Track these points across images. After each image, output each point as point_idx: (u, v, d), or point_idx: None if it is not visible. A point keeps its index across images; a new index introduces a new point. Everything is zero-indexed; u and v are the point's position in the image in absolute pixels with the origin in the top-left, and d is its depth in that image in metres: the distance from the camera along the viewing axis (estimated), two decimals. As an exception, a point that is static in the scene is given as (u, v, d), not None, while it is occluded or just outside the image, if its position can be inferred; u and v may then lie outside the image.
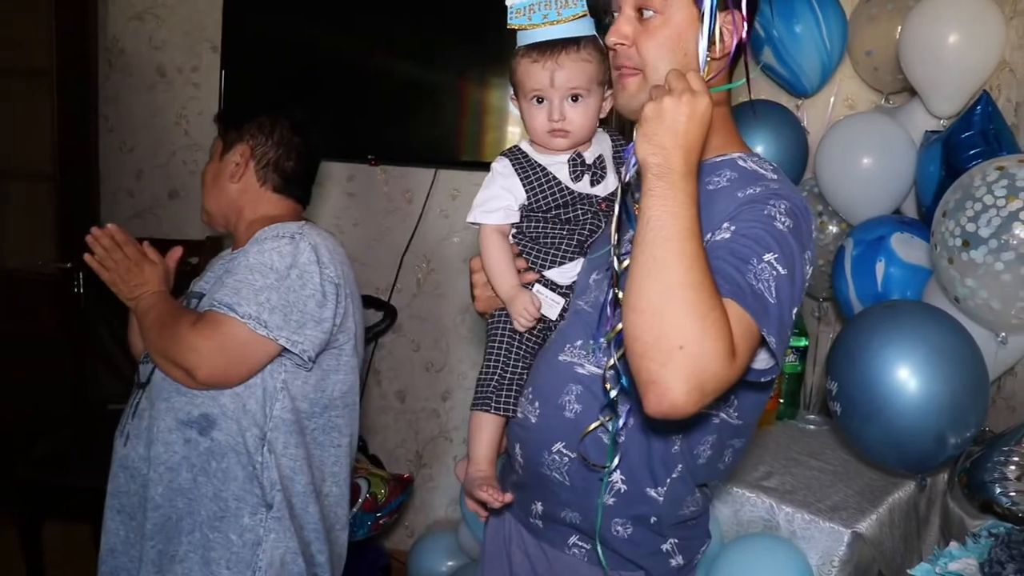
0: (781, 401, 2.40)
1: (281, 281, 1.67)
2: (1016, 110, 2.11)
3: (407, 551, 2.95)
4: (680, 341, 1.00)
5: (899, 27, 2.26)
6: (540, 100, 1.39)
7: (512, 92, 1.46)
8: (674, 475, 1.29)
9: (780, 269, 1.12)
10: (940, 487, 2.06)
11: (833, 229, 2.41)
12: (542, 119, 1.39)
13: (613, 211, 1.42)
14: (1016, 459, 1.77)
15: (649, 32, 1.24)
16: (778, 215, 1.16)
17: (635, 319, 1.04)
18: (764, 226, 1.15)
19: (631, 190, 1.10)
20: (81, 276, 3.18)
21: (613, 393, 1.15)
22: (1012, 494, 1.72)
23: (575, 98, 1.37)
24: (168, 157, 3.36)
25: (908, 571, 1.48)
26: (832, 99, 2.61)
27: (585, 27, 1.37)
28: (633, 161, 1.08)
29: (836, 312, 2.54)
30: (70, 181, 3.33)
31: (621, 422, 1.22)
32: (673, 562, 1.35)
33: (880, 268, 2.13)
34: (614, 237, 1.10)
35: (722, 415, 1.29)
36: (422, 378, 3.14)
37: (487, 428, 1.44)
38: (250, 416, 1.70)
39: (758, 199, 1.18)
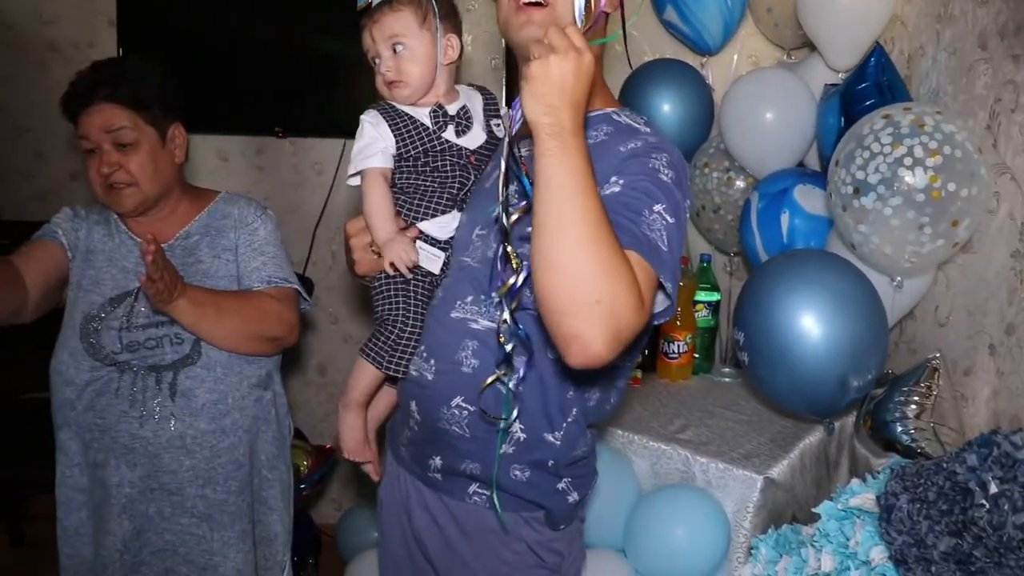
0: (696, 356, 2.44)
1: (283, 249, 1.95)
2: (908, 62, 2.16)
3: (335, 524, 2.94)
4: (596, 295, 1.05)
5: (797, -18, 2.30)
6: (375, 59, 1.47)
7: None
8: (569, 419, 1.36)
9: (669, 218, 1.21)
10: (848, 430, 2.12)
11: (740, 184, 2.45)
12: (379, 75, 1.46)
13: (490, 166, 1.46)
14: (916, 398, 1.83)
15: None
16: (661, 168, 1.24)
17: (549, 278, 1.07)
18: (650, 179, 1.23)
19: (516, 145, 1.11)
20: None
21: (508, 347, 1.19)
22: (912, 431, 1.78)
23: (397, 48, 1.44)
24: (69, 137, 3.22)
25: (813, 509, 1.52)
26: (736, 56, 2.65)
27: None
28: (518, 116, 1.08)
29: (747, 266, 2.59)
30: (-37, 165, 3.20)
31: (522, 372, 1.25)
32: (570, 499, 1.42)
33: (785, 220, 2.17)
34: (502, 192, 1.11)
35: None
36: (341, 350, 3.11)
37: (369, 376, 1.50)
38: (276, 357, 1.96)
39: (640, 152, 1.26)
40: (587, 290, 1.05)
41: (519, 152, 1.11)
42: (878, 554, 1.33)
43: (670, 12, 2.54)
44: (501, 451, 1.35)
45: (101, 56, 3.08)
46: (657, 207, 1.20)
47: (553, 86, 1.05)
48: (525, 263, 1.13)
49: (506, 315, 1.14)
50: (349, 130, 2.82)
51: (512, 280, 1.12)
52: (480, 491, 1.41)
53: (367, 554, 2.55)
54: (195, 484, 1.79)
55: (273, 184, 3.05)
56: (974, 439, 1.27)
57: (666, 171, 1.25)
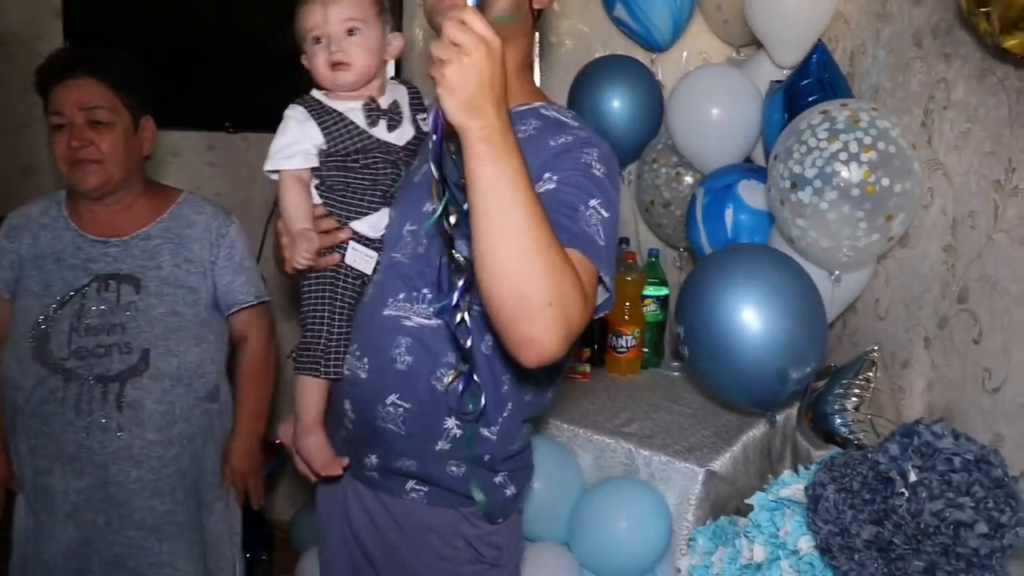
0: (645, 350, 2.45)
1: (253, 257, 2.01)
2: (851, 59, 2.19)
3: (290, 520, 2.93)
4: (547, 299, 1.06)
5: (744, -20, 2.32)
6: (318, 40, 1.40)
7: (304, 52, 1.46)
8: (504, 414, 1.36)
9: (603, 212, 1.22)
10: (792, 423, 2.15)
11: (689, 180, 2.47)
12: (323, 57, 1.40)
13: (418, 160, 1.45)
14: (855, 391, 1.85)
15: None
16: (593, 163, 1.25)
17: (497, 286, 1.07)
18: (583, 174, 1.23)
19: (447, 149, 1.08)
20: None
21: (468, 343, 1.19)
22: (850, 423, 1.81)
23: (351, 32, 1.39)
24: (16, 131, 3.19)
25: (745, 500, 1.54)
26: (685, 53, 2.66)
27: None
28: (438, 123, 1.05)
29: (694, 260, 2.61)
30: (-93, 162, 3.15)
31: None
32: (507, 492, 1.42)
33: (729, 215, 2.20)
34: (437, 201, 1.08)
35: None
36: (290, 344, 3.08)
37: (314, 391, 1.45)
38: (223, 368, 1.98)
39: (571, 147, 1.26)
40: (537, 295, 1.06)
41: (451, 154, 1.08)
42: (806, 543, 1.36)
43: (619, 9, 2.55)
44: (437, 448, 1.36)
45: (48, 49, 3.06)
46: (592, 202, 1.22)
47: (472, 87, 1.00)
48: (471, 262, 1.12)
49: (460, 318, 1.14)
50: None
51: (461, 281, 1.12)
52: (417, 487, 1.41)
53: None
54: (142, 496, 1.79)
55: (225, 179, 3.03)
56: (897, 429, 1.29)
57: (598, 166, 1.26)
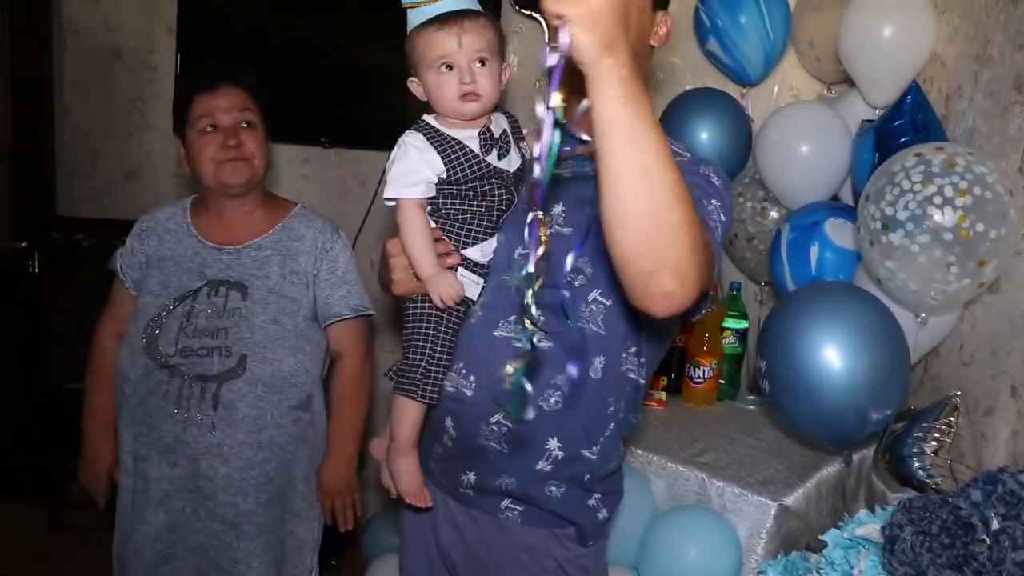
0: (722, 382, 2.46)
1: (359, 272, 2.04)
2: (946, 102, 2.18)
3: (361, 527, 2.98)
4: (685, 249, 1.03)
5: (840, 19, 2.33)
6: (449, 67, 1.38)
7: (412, 74, 1.44)
8: (606, 434, 1.39)
9: (723, 216, 1.26)
10: (867, 463, 2.13)
11: (774, 215, 2.47)
12: (452, 85, 1.37)
13: (525, 187, 1.45)
14: (935, 435, 1.84)
15: None
16: (712, 175, 1.30)
17: (636, 238, 1.02)
18: (705, 180, 1.27)
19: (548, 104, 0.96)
20: (36, 256, 3.18)
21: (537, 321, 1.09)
22: (929, 467, 1.80)
23: (482, 62, 1.38)
24: (124, 139, 3.36)
25: (819, 537, 1.54)
26: (776, 88, 2.68)
27: (472, 2, 1.40)
28: (557, 61, 0.94)
29: (776, 296, 2.61)
30: (26, 162, 3.33)
31: (575, 372, 1.29)
32: (600, 515, 1.44)
33: (814, 252, 2.20)
34: (537, 167, 0.97)
35: (636, 374, 1.41)
36: (378, 358, 3.15)
37: (411, 412, 1.45)
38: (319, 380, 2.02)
39: (688, 164, 1.29)
40: (677, 243, 1.02)
41: (548, 106, 0.94)
42: (881, 584, 1.35)
43: (712, 43, 2.58)
44: (538, 467, 1.38)
45: (160, 62, 3.24)
46: (714, 202, 1.26)
47: (611, 20, 0.92)
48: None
49: (538, 284, 1.03)
50: (390, 143, 2.96)
51: (542, 250, 0.98)
52: (512, 507, 1.43)
53: (390, 557, 2.59)
54: (228, 492, 1.86)
55: (317, 193, 3.13)
56: (980, 475, 1.28)
57: (715, 178, 1.31)
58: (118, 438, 1.96)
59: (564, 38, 0.92)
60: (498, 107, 1.50)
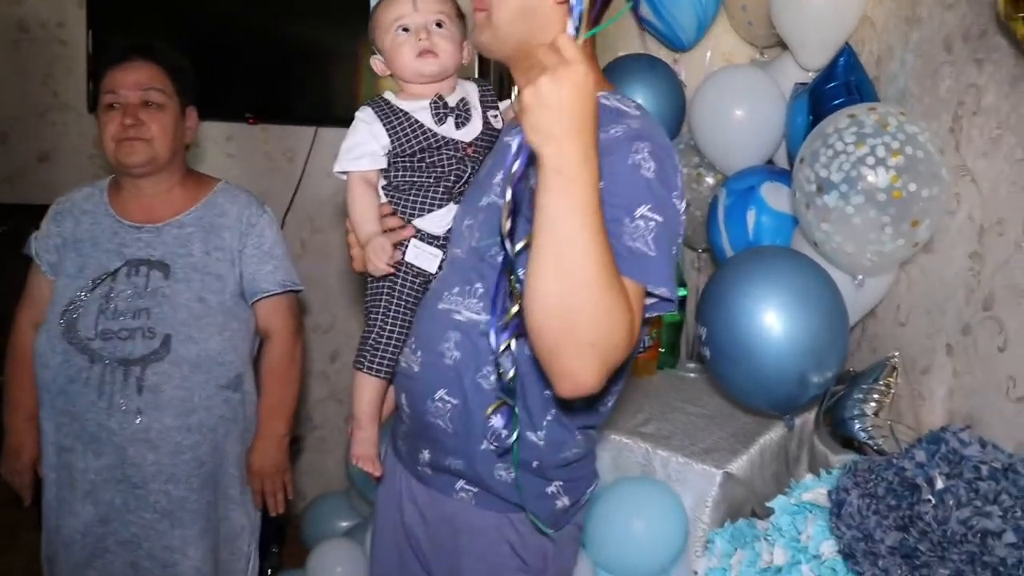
0: (662, 351, 2.45)
1: (286, 247, 2.01)
2: (878, 63, 2.18)
3: (300, 514, 2.93)
4: (592, 339, 1.03)
5: (770, -19, 2.31)
6: (405, 30, 1.42)
7: (374, 51, 1.50)
8: (548, 418, 1.32)
9: (655, 217, 1.15)
10: (809, 427, 2.14)
11: (710, 180, 2.46)
12: (410, 46, 1.42)
13: (488, 157, 1.43)
14: (874, 396, 1.85)
15: None
16: (642, 162, 1.17)
17: (546, 320, 1.04)
18: (630, 177, 1.16)
19: (526, 176, 1.06)
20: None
21: (510, 374, 1.13)
22: (869, 429, 1.80)
23: (439, 24, 1.42)
24: (36, 119, 3.21)
25: (766, 504, 1.54)
26: (709, 53, 2.65)
27: None
28: (523, 149, 1.02)
29: (714, 262, 2.60)
30: (-71, 146, 3.16)
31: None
32: (559, 503, 1.40)
33: (751, 217, 2.19)
34: (505, 226, 1.04)
35: None
36: (310, 340, 3.11)
37: (367, 387, 1.47)
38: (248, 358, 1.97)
39: (621, 143, 1.18)
40: (582, 334, 1.03)
41: (531, 183, 1.04)
42: (828, 548, 1.35)
43: (644, 8, 2.54)
44: (482, 447, 1.34)
45: (70, 36, 3.09)
46: (640, 209, 1.15)
47: (550, 112, 0.97)
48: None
49: (504, 346, 1.08)
50: (320, 118, 2.89)
51: (514, 309, 1.07)
52: (467, 487, 1.40)
53: (331, 542, 2.55)
54: (159, 479, 1.81)
55: (243, 171, 3.03)
56: (924, 436, 1.29)
57: (647, 164, 1.17)
58: (40, 429, 1.88)
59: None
60: (471, 77, 1.54)
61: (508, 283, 1.09)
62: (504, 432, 1.25)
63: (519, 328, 1.08)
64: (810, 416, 2.12)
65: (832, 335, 1.86)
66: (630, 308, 1.07)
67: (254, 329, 1.96)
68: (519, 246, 1.06)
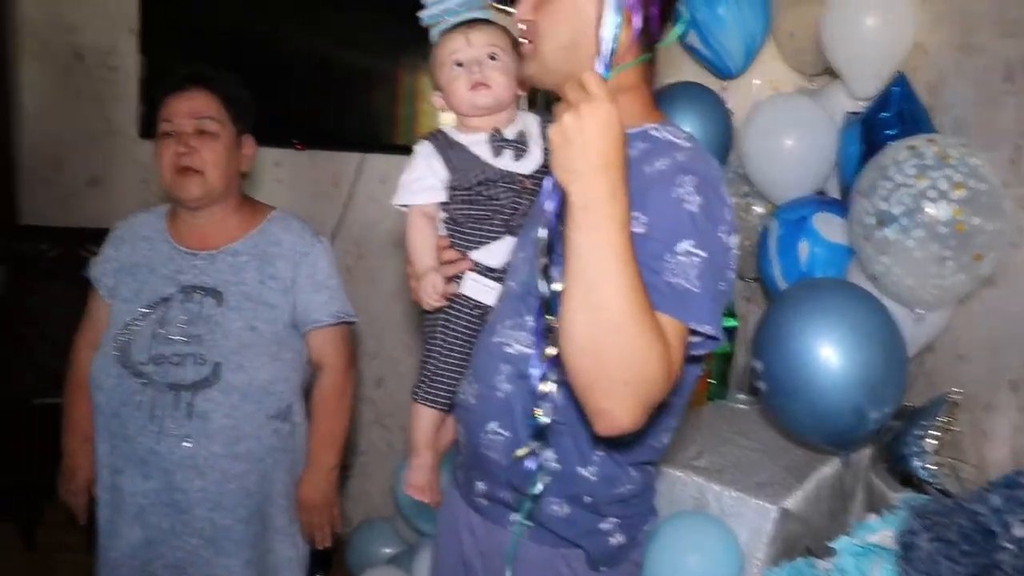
0: (712, 381, 2.42)
1: (340, 277, 1.98)
2: (931, 91, 2.15)
3: (344, 539, 2.92)
4: (625, 377, 1.02)
5: (820, 10, 2.29)
6: (459, 64, 1.45)
7: (436, 89, 1.51)
8: (600, 453, 1.30)
9: (699, 253, 1.11)
10: (864, 462, 2.10)
11: (758, 210, 2.44)
12: (464, 80, 1.44)
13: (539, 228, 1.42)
14: (934, 433, 1.81)
15: (546, 6, 1.25)
16: (686, 196, 1.13)
17: (577, 358, 1.03)
18: (673, 211, 1.13)
19: (561, 214, 1.05)
20: (3, 270, 3.08)
21: (545, 420, 1.13)
22: (930, 467, 1.77)
23: (492, 57, 1.44)
24: (88, 144, 3.26)
25: (829, 544, 1.51)
26: (756, 81, 2.64)
27: (483, 12, 1.50)
28: (555, 188, 1.03)
29: (764, 292, 2.58)
30: (-14, 169, 3.22)
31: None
32: (613, 540, 1.36)
33: (804, 248, 2.16)
34: (541, 263, 1.05)
35: None
36: (365, 366, 3.10)
37: (423, 417, 1.49)
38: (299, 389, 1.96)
39: (663, 177, 1.16)
40: (616, 372, 1.02)
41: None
42: (896, 593, 1.32)
43: (692, 35, 2.54)
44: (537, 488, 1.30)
45: (122, 63, 3.14)
46: (683, 245, 1.11)
47: (574, 150, 0.97)
48: None
49: (545, 388, 1.08)
50: (366, 144, 2.91)
51: (552, 351, 1.06)
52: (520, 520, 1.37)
53: (377, 570, 2.54)
54: (204, 506, 1.80)
55: (290, 196, 3.05)
56: (998, 480, 1.25)
57: (692, 198, 1.13)
58: (95, 451, 1.89)
59: None
60: (532, 109, 1.59)
61: (546, 323, 1.08)
62: (533, 473, 1.24)
63: (559, 367, 1.06)
64: (866, 452, 2.09)
65: (890, 370, 1.83)
66: (666, 345, 1.04)
67: (306, 359, 1.95)
68: (557, 287, 1.05)
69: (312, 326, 1.91)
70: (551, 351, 1.05)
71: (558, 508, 1.33)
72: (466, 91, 1.44)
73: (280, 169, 3.07)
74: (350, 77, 2.90)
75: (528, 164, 1.47)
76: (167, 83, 1.89)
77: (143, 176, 3.23)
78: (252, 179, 3.02)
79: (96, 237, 1.97)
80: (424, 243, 1.46)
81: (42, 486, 2.51)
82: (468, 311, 1.45)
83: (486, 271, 1.45)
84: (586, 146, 0.97)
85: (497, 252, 1.45)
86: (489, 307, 1.45)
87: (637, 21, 1.16)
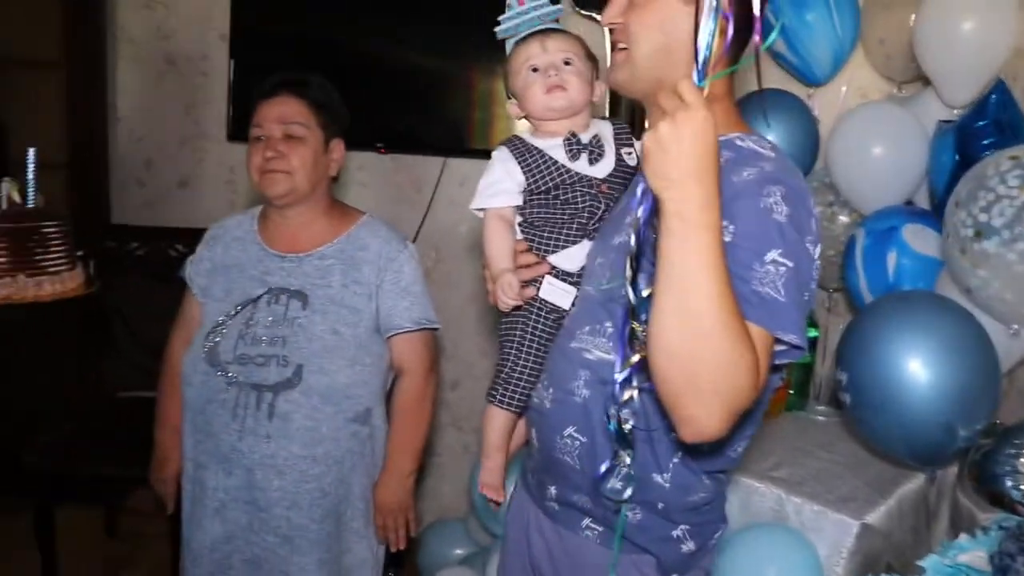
0: (791, 392, 2.38)
1: (425, 284, 2.00)
2: (1031, 99, 2.09)
3: (416, 539, 2.95)
4: (715, 385, 1.02)
5: (913, 15, 2.24)
6: (535, 69, 1.47)
7: (510, 97, 1.55)
8: (675, 460, 1.30)
9: (786, 263, 1.12)
10: (950, 480, 2.04)
11: (844, 219, 2.39)
12: (540, 84, 1.46)
13: (625, 195, 1.43)
14: (1029, 452, 1.75)
15: (636, 10, 1.27)
16: (774, 205, 1.14)
17: (668, 365, 1.04)
18: (762, 221, 1.14)
19: (646, 223, 1.06)
20: (91, 265, 3.19)
21: (627, 427, 1.13)
22: (1023, 487, 1.71)
23: (567, 63, 1.47)
24: (178, 146, 3.37)
25: (917, 563, 1.47)
26: (844, 88, 2.59)
27: (554, 24, 1.52)
28: (647, 194, 1.03)
29: (847, 303, 2.53)
30: (81, 171, 3.35)
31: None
32: (684, 548, 1.36)
33: (892, 259, 2.12)
34: (629, 269, 1.05)
35: None
36: (447, 371, 3.13)
37: (497, 419, 1.51)
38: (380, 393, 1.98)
39: (752, 187, 1.16)
40: (706, 381, 1.02)
41: (655, 227, 1.05)
42: (989, 615, 1.28)
43: (778, 41, 2.51)
44: (608, 486, 1.31)
45: (212, 68, 3.24)
46: (771, 254, 1.12)
47: (669, 157, 0.98)
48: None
49: (628, 395, 1.09)
50: (445, 148, 2.95)
51: (635, 358, 1.07)
52: (592, 526, 1.38)
53: (450, 571, 2.56)
54: (281, 505, 1.84)
55: (373, 200, 3.10)
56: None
57: (780, 208, 1.14)
58: (182, 444, 1.95)
59: None
60: (608, 117, 1.58)
61: (631, 329, 1.08)
62: (619, 485, 1.26)
63: (642, 374, 1.07)
64: (952, 469, 2.03)
65: (982, 385, 1.77)
66: (755, 354, 1.04)
67: (388, 364, 1.97)
68: (644, 293, 1.05)
69: (394, 331, 1.93)
70: (635, 358, 1.06)
71: (631, 514, 1.33)
72: (542, 95, 1.46)
73: (364, 172, 3.13)
74: (433, 82, 2.95)
75: (603, 168, 1.48)
76: (260, 89, 1.94)
77: (228, 178, 3.32)
78: (337, 183, 3.09)
79: (183, 237, 2.03)
80: (501, 246, 1.47)
81: (126, 476, 2.62)
82: (545, 315, 1.46)
83: (563, 275, 1.46)
84: (682, 154, 0.98)
85: (575, 256, 1.46)
86: (565, 311, 1.45)
87: (731, 30, 1.16)
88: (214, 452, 1.85)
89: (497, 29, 1.52)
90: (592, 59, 1.52)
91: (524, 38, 1.49)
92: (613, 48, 1.34)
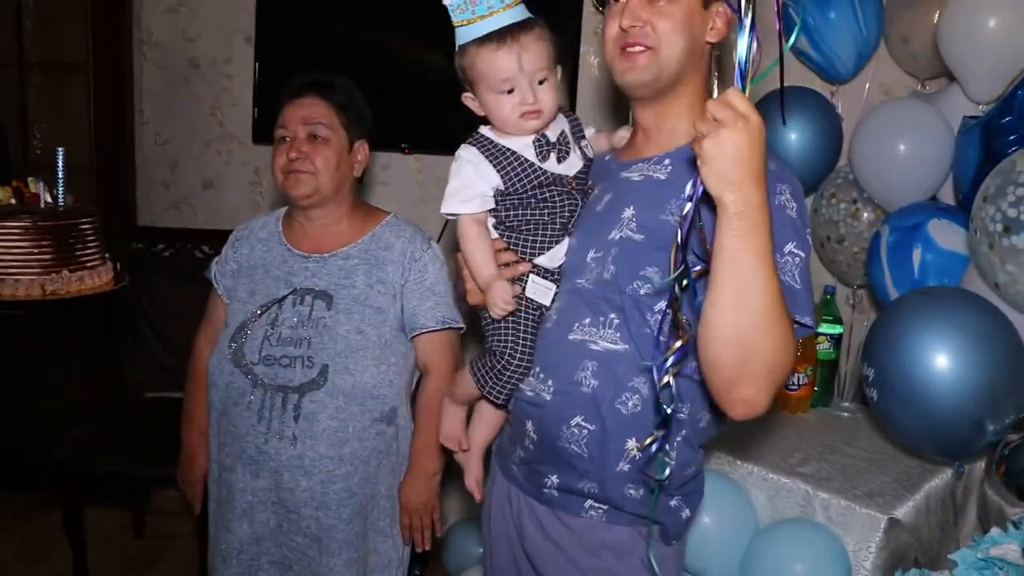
0: (816, 388, 2.39)
1: (450, 284, 1.97)
2: (1057, 94, 2.08)
3: (442, 537, 2.97)
4: (768, 368, 1.16)
5: (937, 12, 2.25)
6: (510, 91, 1.39)
7: (466, 89, 1.47)
8: (679, 439, 1.38)
9: (800, 253, 1.27)
10: (978, 475, 2.04)
11: (868, 216, 2.40)
12: (512, 105, 1.39)
13: (598, 188, 1.47)
14: (1057, 446, 1.75)
15: (663, 13, 1.32)
16: (786, 202, 1.29)
17: (724, 353, 1.16)
18: (779, 216, 1.24)
19: (695, 221, 1.12)
20: (118, 266, 3.23)
21: (669, 409, 1.16)
22: (1053, 481, 1.71)
23: (541, 81, 1.40)
24: (203, 148, 3.40)
25: (948, 556, 1.47)
26: (867, 85, 2.59)
27: (523, 12, 1.42)
28: (699, 191, 1.09)
29: (871, 299, 2.53)
30: (107, 173, 3.39)
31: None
32: (683, 515, 1.45)
33: (917, 255, 2.12)
34: (674, 262, 1.10)
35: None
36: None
37: (486, 413, 1.55)
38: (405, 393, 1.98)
39: (766, 186, 1.23)
40: (760, 364, 1.15)
41: (699, 222, 1.13)
42: (1022, 608, 1.28)
43: (801, 39, 2.51)
44: (617, 469, 1.38)
45: (236, 71, 3.28)
46: (788, 246, 1.26)
47: (730, 161, 1.06)
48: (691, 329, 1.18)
49: (667, 379, 1.13)
50: (466, 147, 2.96)
51: (677, 344, 1.12)
52: (596, 506, 1.43)
53: (476, 570, 2.57)
54: (310, 505, 1.84)
55: (397, 199, 3.12)
56: None
57: (790, 204, 1.29)
58: (209, 445, 1.97)
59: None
60: (561, 110, 1.50)
61: (673, 320, 1.15)
62: (658, 458, 1.28)
63: (679, 361, 1.13)
64: (979, 464, 2.03)
65: (1010, 380, 1.77)
66: (794, 338, 1.19)
67: (413, 364, 1.97)
68: (687, 283, 1.12)
69: (419, 331, 1.92)
70: (677, 344, 1.12)
71: (634, 492, 1.40)
72: (515, 117, 1.40)
73: (388, 172, 3.15)
74: (456, 82, 2.96)
75: (572, 166, 1.47)
76: (285, 91, 1.95)
77: (253, 180, 3.35)
78: (361, 184, 3.12)
79: (209, 238, 2.03)
80: (483, 251, 1.44)
81: (153, 476, 2.64)
82: (532, 311, 1.45)
83: (544, 272, 1.46)
84: (741, 160, 1.07)
85: (556, 255, 1.46)
86: (546, 307, 1.46)
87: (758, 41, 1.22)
88: (240, 454, 1.86)
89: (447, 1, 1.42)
90: (560, 62, 1.46)
91: (496, 39, 1.38)
92: (625, 48, 1.34)
